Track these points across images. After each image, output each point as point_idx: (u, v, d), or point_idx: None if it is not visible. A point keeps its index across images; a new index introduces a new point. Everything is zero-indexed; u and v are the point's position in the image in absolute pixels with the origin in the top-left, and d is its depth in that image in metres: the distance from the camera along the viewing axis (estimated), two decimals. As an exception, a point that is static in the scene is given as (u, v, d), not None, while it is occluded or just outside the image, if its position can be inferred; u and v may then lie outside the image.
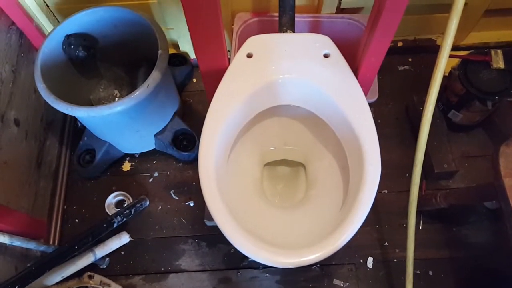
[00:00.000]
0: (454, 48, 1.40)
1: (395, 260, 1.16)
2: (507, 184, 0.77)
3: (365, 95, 0.88)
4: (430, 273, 1.15)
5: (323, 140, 1.00)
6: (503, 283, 1.09)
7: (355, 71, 0.87)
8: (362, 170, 0.76)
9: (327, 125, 0.89)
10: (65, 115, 1.32)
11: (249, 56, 0.87)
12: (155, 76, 1.00)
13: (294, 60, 0.85)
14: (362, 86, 0.84)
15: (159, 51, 1.02)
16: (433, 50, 1.43)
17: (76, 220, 1.24)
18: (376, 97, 1.12)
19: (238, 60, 0.87)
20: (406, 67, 1.42)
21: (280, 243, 0.76)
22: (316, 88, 0.84)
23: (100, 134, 1.18)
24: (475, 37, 1.39)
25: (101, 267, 1.17)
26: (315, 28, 1.17)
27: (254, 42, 0.88)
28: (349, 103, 0.82)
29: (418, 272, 1.14)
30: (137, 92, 0.98)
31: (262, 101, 0.89)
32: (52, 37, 1.06)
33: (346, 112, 0.81)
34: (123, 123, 1.09)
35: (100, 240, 1.13)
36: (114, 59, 1.23)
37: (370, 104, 1.32)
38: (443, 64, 0.79)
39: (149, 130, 1.18)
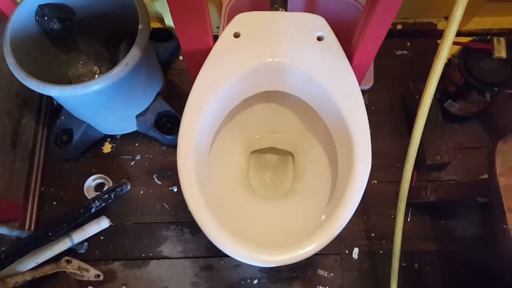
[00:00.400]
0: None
1: (381, 252, 1.13)
2: (502, 183, 0.73)
3: (360, 82, 0.83)
4: (416, 265, 1.12)
5: (313, 130, 0.94)
6: (490, 279, 1.07)
7: (350, 57, 0.81)
8: (352, 166, 0.71)
9: (318, 115, 0.83)
10: (42, 91, 1.25)
11: (236, 35, 0.80)
12: (134, 54, 0.93)
13: (284, 42, 0.79)
14: (356, 73, 0.78)
15: (139, 26, 0.94)
16: (434, 35, 1.38)
17: (54, 203, 1.19)
18: (371, 84, 1.06)
19: (224, 40, 0.80)
20: (404, 51, 1.36)
21: (260, 238, 0.73)
22: (306, 74, 0.78)
23: (77, 113, 1.11)
24: (478, 23, 1.33)
25: (80, 251, 1.12)
26: (309, 6, 1.10)
27: (242, 20, 0.81)
28: (342, 93, 0.76)
29: (403, 264, 1.11)
30: (114, 71, 0.91)
31: (249, 86, 0.83)
32: (24, 6, 0.98)
33: (338, 102, 0.76)
34: (100, 103, 1.02)
35: (79, 224, 1.08)
36: (93, 33, 1.15)
37: (364, 91, 1.28)
38: (444, 55, 0.73)
39: (129, 111, 1.12)
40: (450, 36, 0.73)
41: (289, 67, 0.79)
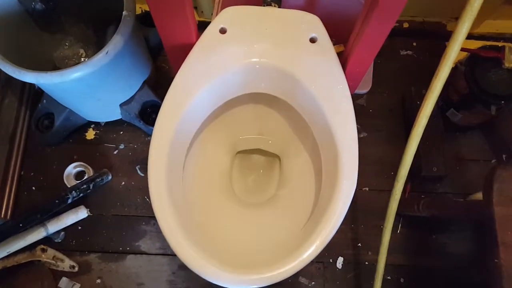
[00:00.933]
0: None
1: (366, 263, 1.09)
2: (498, 214, 0.67)
3: (354, 89, 0.77)
4: (402, 280, 1.08)
5: (300, 135, 0.89)
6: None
7: (344, 64, 0.74)
8: (336, 183, 0.66)
9: (306, 122, 0.77)
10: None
11: (223, 31, 0.74)
12: (116, 42, 0.87)
13: (274, 42, 0.73)
14: (350, 81, 0.72)
15: (124, 13, 0.88)
16: (442, 36, 1.29)
17: (33, 188, 1.15)
18: (369, 88, 0.99)
19: (209, 35, 0.74)
20: (409, 52, 1.28)
21: (233, 253, 0.68)
22: (295, 79, 0.72)
23: (59, 99, 1.06)
24: (490, 26, 1.25)
25: (56, 241, 1.09)
26: (307, 2, 1.02)
27: (230, 15, 0.75)
28: (332, 103, 0.70)
29: (389, 278, 1.07)
30: (94, 59, 0.85)
31: (233, 87, 0.77)
32: (3, -17, 0.92)
33: (327, 113, 0.70)
34: (81, 91, 0.96)
35: (55, 213, 1.05)
36: (80, 15, 1.08)
37: (362, 94, 1.21)
38: (449, 65, 0.66)
39: (113, 100, 1.06)
40: (458, 40, 0.66)
41: (277, 69, 0.73)
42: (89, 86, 0.94)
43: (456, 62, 1.06)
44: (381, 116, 1.21)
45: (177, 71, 0.73)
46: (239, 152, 1.00)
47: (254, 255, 0.71)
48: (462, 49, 0.99)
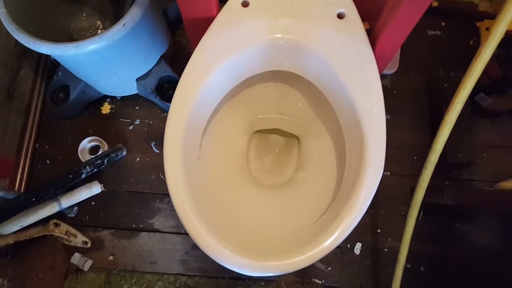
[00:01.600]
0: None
1: (385, 250, 1.06)
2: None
3: (383, 69, 0.72)
4: (422, 268, 1.05)
5: (322, 117, 0.85)
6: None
7: (374, 41, 0.70)
8: (361, 169, 0.62)
9: (329, 103, 0.73)
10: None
11: (245, 4, 0.70)
12: (133, 14, 0.83)
13: (299, 17, 0.69)
14: (378, 61, 0.68)
15: (142, -17, 0.84)
16: (473, 16, 1.22)
17: (48, 161, 1.14)
18: (396, 69, 0.95)
19: (230, 9, 0.70)
20: (437, 32, 1.22)
21: (251, 239, 0.66)
22: (321, 57, 0.68)
23: (74, 72, 1.04)
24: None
25: (69, 215, 1.08)
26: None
27: (254, -13, 0.70)
28: (359, 84, 0.66)
29: (408, 266, 1.04)
30: (111, 31, 0.82)
31: (255, 63, 0.73)
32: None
33: (353, 95, 0.66)
34: (96, 64, 0.94)
35: (69, 187, 1.03)
36: (98, -16, 1.05)
37: (387, 75, 1.16)
38: (494, 44, 0.60)
39: (129, 74, 1.03)
40: (506, 19, 0.60)
41: (302, 46, 0.69)
42: (105, 59, 0.92)
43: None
44: (405, 98, 1.16)
45: (195, 46, 0.70)
46: (256, 132, 0.96)
47: (272, 241, 0.69)
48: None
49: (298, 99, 0.87)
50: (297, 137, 0.95)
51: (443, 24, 1.22)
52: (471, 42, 1.20)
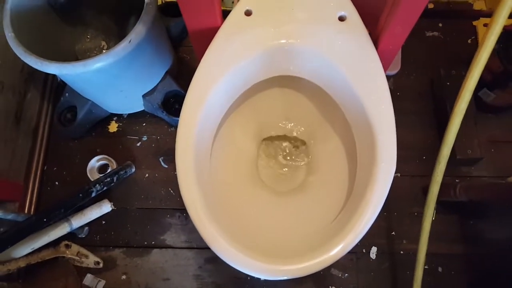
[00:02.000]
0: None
1: (401, 252, 1.05)
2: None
3: (386, 69, 0.73)
4: (440, 269, 1.03)
5: (330, 120, 0.85)
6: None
7: (376, 41, 0.71)
8: (373, 166, 0.63)
9: (336, 104, 0.74)
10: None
11: (248, 13, 0.71)
12: (138, 31, 0.85)
13: (302, 22, 0.70)
14: (382, 60, 0.68)
15: (146, 0, 0.86)
16: (469, 15, 1.24)
17: (56, 183, 1.14)
18: (398, 69, 0.96)
19: (234, 18, 0.71)
20: (435, 33, 1.23)
21: (266, 243, 0.66)
22: (326, 59, 0.69)
23: (81, 91, 1.05)
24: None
25: (80, 236, 1.08)
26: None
27: (255, -4, 0.72)
28: (365, 82, 0.66)
29: (426, 267, 1.03)
30: (117, 48, 0.83)
31: (260, 70, 0.74)
32: (25, -24, 0.90)
33: (361, 93, 0.66)
34: (103, 82, 0.95)
35: (79, 207, 1.03)
36: (102, 6, 1.07)
37: (390, 76, 1.17)
38: (492, 41, 0.62)
39: (135, 91, 1.04)
40: (500, 19, 0.61)
41: (306, 50, 0.70)
42: (111, 76, 0.93)
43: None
44: (409, 99, 1.17)
45: (201, 57, 0.71)
46: (264, 140, 0.97)
47: (285, 245, 0.68)
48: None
49: (304, 103, 0.87)
50: (305, 142, 0.95)
51: (440, 25, 1.24)
52: (469, 41, 1.21)
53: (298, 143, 0.96)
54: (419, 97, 1.17)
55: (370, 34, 0.69)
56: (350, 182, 0.72)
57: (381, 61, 0.68)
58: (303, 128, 0.92)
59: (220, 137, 0.80)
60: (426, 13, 1.22)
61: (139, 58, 0.93)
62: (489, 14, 1.21)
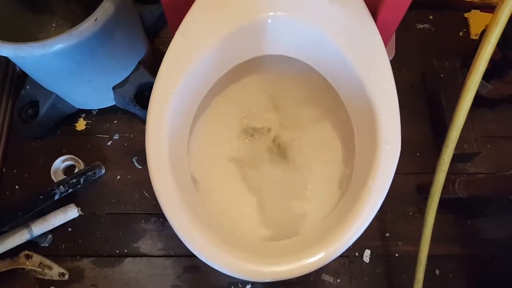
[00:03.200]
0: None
1: (396, 255, 0.97)
2: None
3: (386, 43, 0.66)
4: (437, 272, 0.96)
5: (322, 104, 0.77)
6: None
7: (374, 13, 0.63)
8: (376, 150, 0.55)
9: (330, 85, 0.66)
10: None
11: (230, -18, 0.63)
12: (106, 8, 0.76)
13: (291, -8, 0.62)
14: (382, 33, 0.61)
15: (115, -24, 0.77)
16: (459, 7, 1.19)
17: (16, 187, 1.02)
18: (393, 56, 0.89)
19: (214, -13, 0.63)
20: (426, 25, 1.18)
21: (251, 242, 0.57)
22: (318, 33, 0.61)
23: (43, 82, 0.94)
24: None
25: (42, 245, 0.96)
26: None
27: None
28: (364, 58, 0.59)
29: (422, 270, 0.95)
30: (81, 27, 0.74)
31: (243, 48, 0.66)
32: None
33: (359, 70, 0.59)
34: (67, 69, 0.85)
35: (41, 213, 0.92)
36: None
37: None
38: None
39: (104, 81, 0.94)
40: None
41: (295, 24, 0.62)
42: (76, 62, 0.83)
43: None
44: (401, 93, 1.05)
45: (174, 30, 0.62)
46: (249, 130, 0.87)
47: (274, 245, 0.59)
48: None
49: (293, 88, 0.79)
50: (296, 132, 0.86)
51: (430, 17, 1.19)
52: (461, 34, 1.17)
53: (288, 132, 0.87)
54: (411, 90, 1.11)
55: (368, 4, 0.62)
56: (348, 171, 0.64)
57: (381, 35, 0.60)
58: (292, 116, 0.83)
59: (199, 129, 0.71)
60: (417, 5, 1.18)
61: (108, 42, 0.84)
62: (481, 5, 1.17)
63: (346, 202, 0.58)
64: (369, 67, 0.58)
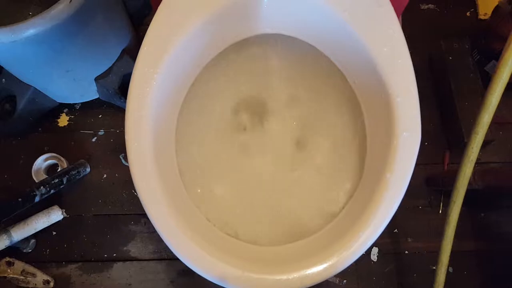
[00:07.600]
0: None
1: (406, 252, 0.91)
2: None
3: (398, 15, 0.58)
4: (450, 269, 0.90)
5: (327, 89, 0.69)
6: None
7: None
8: (392, 139, 0.48)
9: (335, 66, 0.59)
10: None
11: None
12: (82, -12, 0.68)
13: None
14: (393, 2, 0.54)
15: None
16: (466, -16, 1.13)
17: (-5, 189, 0.95)
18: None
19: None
20: (431, 5, 1.11)
21: (251, 247, 0.50)
22: (321, 6, 0.54)
23: (19, 74, 0.87)
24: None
25: (24, 251, 0.90)
26: None
27: None
28: (374, 31, 0.52)
29: (434, 268, 0.88)
30: (53, 10, 0.66)
31: (235, 26, 0.59)
32: None
33: (369, 46, 0.51)
34: (43, 57, 0.77)
35: (20, 216, 0.85)
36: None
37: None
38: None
39: (85, 71, 0.87)
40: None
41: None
42: (52, 49, 0.75)
43: (498, 2, 0.89)
44: None
45: (156, 6, 0.55)
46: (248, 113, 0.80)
47: (280, 249, 0.52)
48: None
49: (293, 71, 0.71)
50: (299, 121, 0.78)
51: (435, -3, 1.11)
52: (468, 14, 1.09)
53: (290, 121, 0.80)
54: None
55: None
56: (359, 163, 0.57)
57: (393, 4, 0.53)
58: (292, 102, 0.75)
59: (188, 111, 0.64)
60: (420, -16, 1.12)
61: (87, 27, 0.76)
62: (488, -17, 1.09)
63: (359, 198, 0.51)
64: (381, 42, 0.51)
